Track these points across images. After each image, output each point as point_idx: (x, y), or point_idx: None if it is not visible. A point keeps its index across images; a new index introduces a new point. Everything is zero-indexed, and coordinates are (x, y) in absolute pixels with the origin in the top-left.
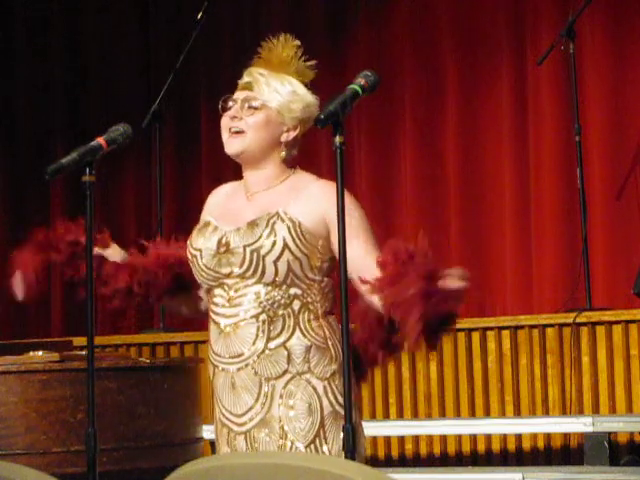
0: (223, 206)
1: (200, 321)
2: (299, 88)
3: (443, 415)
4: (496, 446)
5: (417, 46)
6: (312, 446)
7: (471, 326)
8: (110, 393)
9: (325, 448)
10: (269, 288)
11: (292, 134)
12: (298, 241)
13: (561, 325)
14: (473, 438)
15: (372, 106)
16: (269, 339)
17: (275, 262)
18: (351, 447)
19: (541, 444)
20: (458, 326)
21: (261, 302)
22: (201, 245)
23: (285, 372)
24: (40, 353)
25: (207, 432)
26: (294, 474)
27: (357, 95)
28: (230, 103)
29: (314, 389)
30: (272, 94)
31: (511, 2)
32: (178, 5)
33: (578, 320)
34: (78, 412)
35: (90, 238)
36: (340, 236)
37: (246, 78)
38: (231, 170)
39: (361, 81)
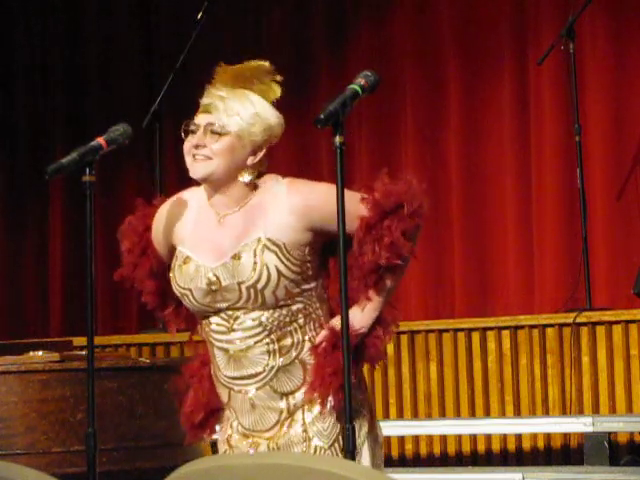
0: (193, 232)
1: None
2: (261, 107)
3: (443, 415)
4: (496, 446)
5: (418, 46)
6: (336, 444)
7: (471, 326)
8: (110, 393)
9: None
10: (271, 311)
11: (258, 156)
12: (289, 263)
13: (561, 325)
14: (473, 438)
15: (373, 106)
16: (281, 355)
17: (274, 292)
18: (351, 447)
19: (541, 444)
20: (458, 326)
21: (266, 326)
22: (189, 285)
23: (303, 383)
24: (40, 353)
25: None
26: (294, 474)
27: (357, 95)
28: (192, 127)
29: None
30: (232, 118)
31: (512, 2)
32: (179, 5)
33: (578, 320)
34: (78, 412)
35: (90, 238)
36: (340, 236)
37: (206, 100)
38: None
39: (361, 81)
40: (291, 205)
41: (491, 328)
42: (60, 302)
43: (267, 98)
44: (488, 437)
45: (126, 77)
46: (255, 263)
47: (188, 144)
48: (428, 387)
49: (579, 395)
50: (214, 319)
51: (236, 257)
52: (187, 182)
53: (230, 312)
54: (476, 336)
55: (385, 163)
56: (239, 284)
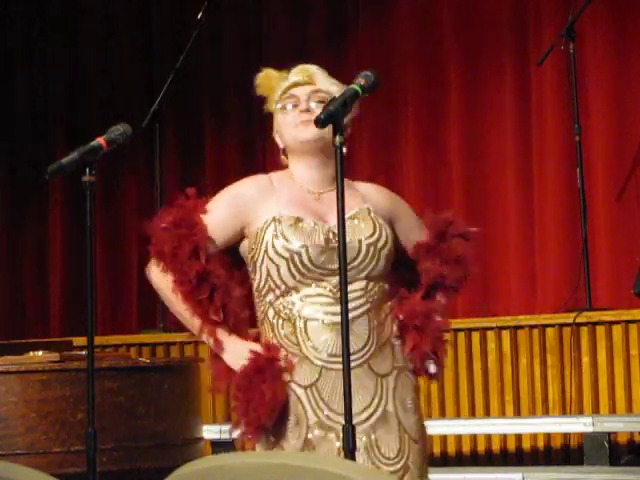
0: (293, 203)
1: None
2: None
3: (443, 415)
4: (496, 446)
5: (419, 47)
6: (422, 440)
7: (471, 326)
8: (110, 393)
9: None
10: (372, 283)
11: (347, 131)
12: (392, 238)
13: (561, 325)
14: (473, 438)
15: (374, 106)
16: (378, 335)
17: (387, 256)
18: (351, 447)
19: (541, 444)
20: (458, 326)
21: (368, 298)
22: (305, 242)
23: (393, 368)
24: (40, 353)
25: (207, 432)
26: (294, 474)
27: (357, 95)
28: (293, 101)
29: (413, 385)
30: (333, 86)
31: (512, 3)
32: (179, 4)
33: (578, 320)
34: (78, 412)
35: (90, 238)
36: (340, 237)
37: (299, 75)
38: (232, 170)
39: (361, 81)
40: (379, 188)
41: (491, 328)
42: (60, 302)
43: None
44: (488, 437)
45: (126, 77)
46: (374, 222)
47: (293, 113)
48: (428, 387)
49: (579, 395)
50: (311, 289)
51: (352, 218)
52: (187, 182)
53: (334, 279)
54: (476, 336)
55: (386, 163)
56: (359, 241)
